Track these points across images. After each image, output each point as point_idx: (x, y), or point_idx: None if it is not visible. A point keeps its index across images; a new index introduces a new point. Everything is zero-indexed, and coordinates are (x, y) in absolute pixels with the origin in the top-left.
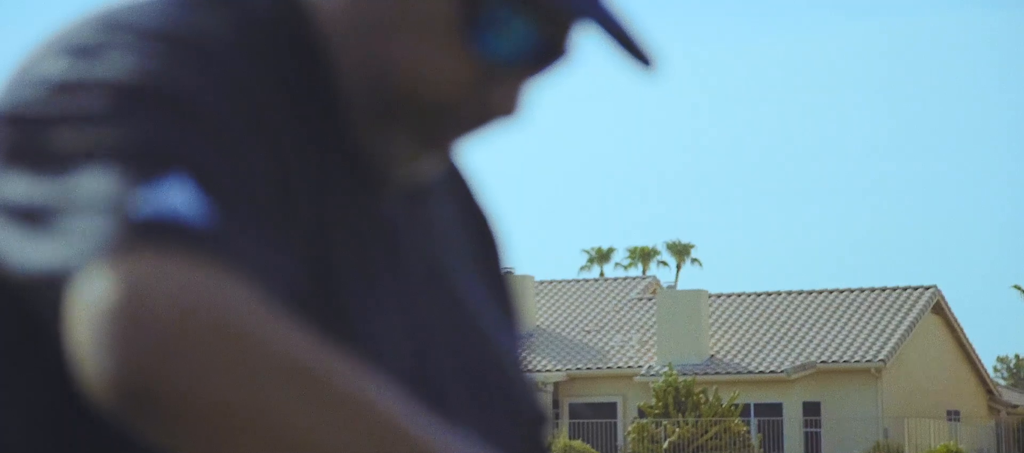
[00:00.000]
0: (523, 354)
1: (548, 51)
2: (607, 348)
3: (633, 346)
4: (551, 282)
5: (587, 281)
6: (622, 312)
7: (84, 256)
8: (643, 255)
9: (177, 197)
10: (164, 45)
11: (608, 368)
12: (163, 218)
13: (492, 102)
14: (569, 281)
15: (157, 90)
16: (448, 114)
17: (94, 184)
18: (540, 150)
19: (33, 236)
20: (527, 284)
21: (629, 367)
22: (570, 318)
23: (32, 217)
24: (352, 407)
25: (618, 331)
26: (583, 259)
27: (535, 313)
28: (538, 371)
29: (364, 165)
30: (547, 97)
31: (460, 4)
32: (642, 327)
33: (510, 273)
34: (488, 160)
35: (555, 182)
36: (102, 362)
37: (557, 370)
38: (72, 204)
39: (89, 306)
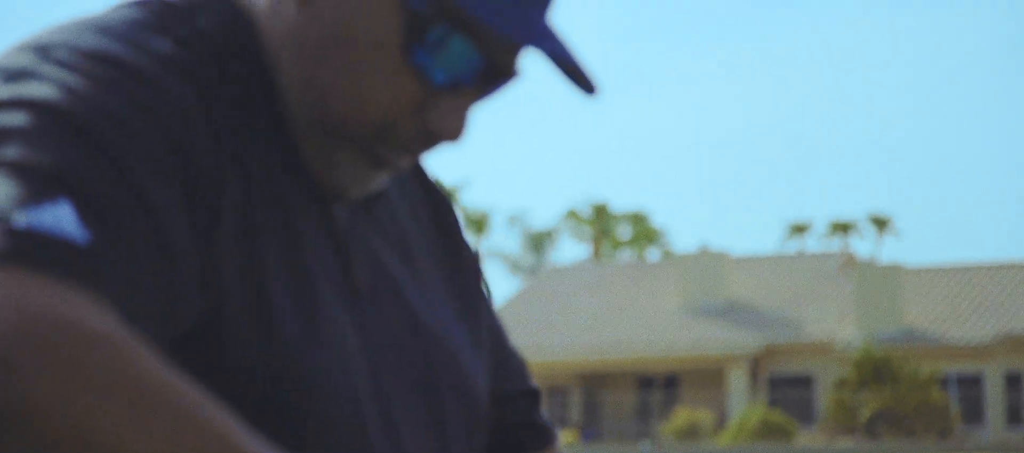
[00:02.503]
0: (493, 339)
1: (492, 74)
2: (804, 320)
3: (831, 318)
4: (748, 259)
5: (784, 257)
6: (819, 285)
7: None
8: (842, 228)
9: (56, 217)
10: (92, 67)
11: (806, 340)
12: (36, 234)
13: (435, 124)
14: (766, 257)
15: (66, 112)
16: (390, 135)
17: None
18: (738, 125)
19: None
20: (723, 261)
21: (827, 339)
22: (767, 292)
23: None
24: (182, 428)
25: (815, 303)
26: (782, 233)
27: (732, 288)
28: (736, 343)
29: (311, 180)
30: (749, 74)
31: (402, 27)
32: (839, 299)
33: (471, 253)
34: (687, 137)
35: (754, 156)
36: None
37: (755, 343)
38: None
39: None
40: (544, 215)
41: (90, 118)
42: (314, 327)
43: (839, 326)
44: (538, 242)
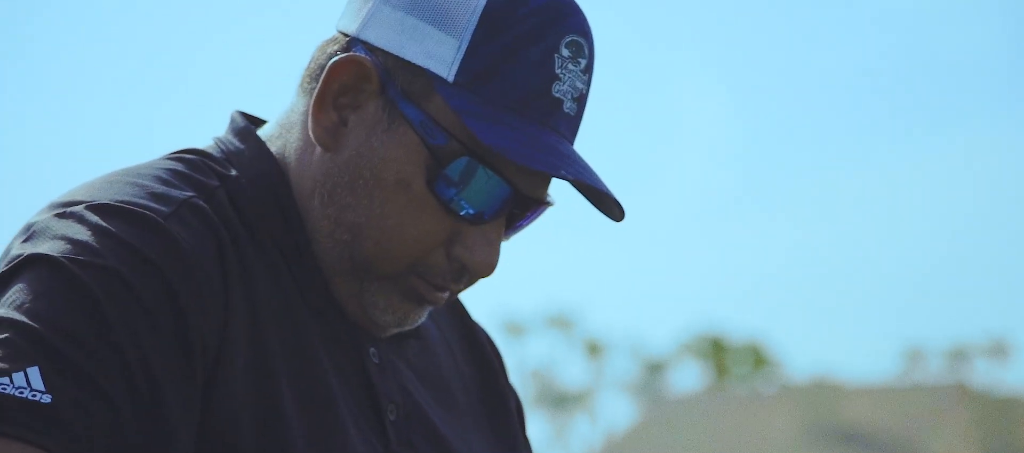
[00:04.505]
0: None
1: (521, 203)
2: (921, 447)
3: (948, 445)
4: (863, 390)
5: (899, 389)
6: (935, 414)
7: None
8: (959, 355)
9: (25, 380)
10: (102, 221)
11: None
12: (1, 393)
13: (465, 256)
14: (881, 388)
15: (63, 270)
16: (421, 270)
17: None
18: (854, 247)
19: None
20: (838, 392)
21: None
22: (884, 420)
23: None
24: None
25: (932, 431)
26: (896, 360)
27: (848, 416)
28: None
29: (345, 319)
30: (867, 197)
31: (425, 163)
32: (956, 427)
33: (515, 396)
34: (803, 259)
35: (870, 278)
36: None
37: None
38: None
39: None
40: (660, 338)
41: (84, 276)
42: None
43: (960, 451)
44: (655, 369)
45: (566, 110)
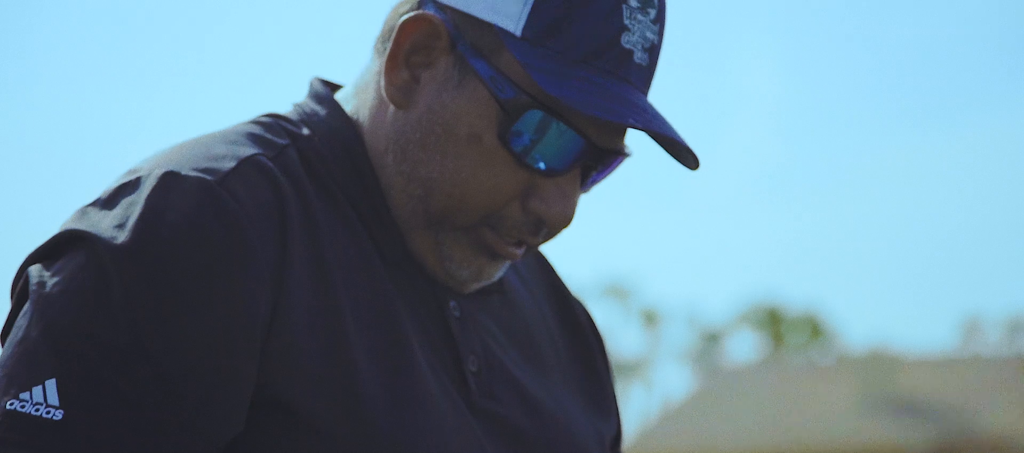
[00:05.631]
0: (614, 434)
1: (595, 154)
2: (981, 419)
3: (1008, 416)
4: (921, 361)
5: (958, 359)
6: (995, 385)
7: None
8: (1017, 326)
9: (40, 395)
10: (157, 194)
11: (983, 437)
12: (12, 415)
13: (540, 208)
14: (939, 360)
15: (103, 256)
16: (496, 223)
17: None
18: (918, 217)
19: None
20: (896, 363)
21: (1005, 435)
22: (942, 391)
23: None
24: None
25: (991, 402)
26: (954, 331)
27: (906, 387)
28: (912, 442)
29: (424, 273)
30: (930, 167)
31: (497, 117)
32: (1016, 398)
33: (605, 358)
34: (863, 229)
35: (932, 247)
36: None
37: (931, 440)
38: None
39: None
40: (717, 308)
41: (117, 262)
42: (407, 405)
43: (1019, 423)
44: (712, 339)
45: (637, 61)
